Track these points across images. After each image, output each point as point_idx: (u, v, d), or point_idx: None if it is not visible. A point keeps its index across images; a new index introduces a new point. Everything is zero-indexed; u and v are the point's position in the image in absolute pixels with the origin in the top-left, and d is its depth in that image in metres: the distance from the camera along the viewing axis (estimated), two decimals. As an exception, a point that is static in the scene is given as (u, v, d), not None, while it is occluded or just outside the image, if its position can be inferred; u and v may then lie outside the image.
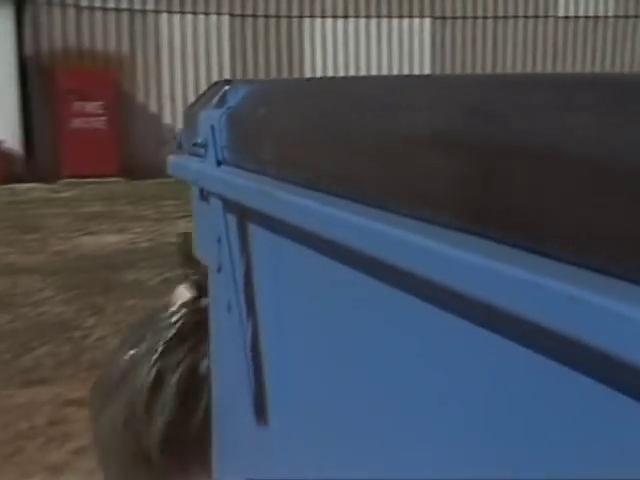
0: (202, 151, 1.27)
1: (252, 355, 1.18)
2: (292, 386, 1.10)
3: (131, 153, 11.23)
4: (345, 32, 11.96)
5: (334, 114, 0.89)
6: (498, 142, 0.58)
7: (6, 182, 10.22)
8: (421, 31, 12.15)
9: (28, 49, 11.28)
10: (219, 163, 1.22)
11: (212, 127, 1.21)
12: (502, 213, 0.57)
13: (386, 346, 0.80)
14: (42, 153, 11.23)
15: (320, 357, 1.01)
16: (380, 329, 0.81)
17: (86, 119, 10.96)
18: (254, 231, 1.14)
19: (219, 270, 1.25)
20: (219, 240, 1.22)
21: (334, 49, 12.06)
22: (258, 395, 1.18)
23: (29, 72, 11.23)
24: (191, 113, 1.38)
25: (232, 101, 1.24)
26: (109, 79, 11.21)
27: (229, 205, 1.15)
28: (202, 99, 1.39)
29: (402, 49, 12.24)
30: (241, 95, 1.23)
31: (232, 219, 1.18)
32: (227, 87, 1.30)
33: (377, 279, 0.76)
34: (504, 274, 0.53)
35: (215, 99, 1.31)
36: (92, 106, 10.96)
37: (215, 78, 10.26)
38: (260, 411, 1.19)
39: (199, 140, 1.28)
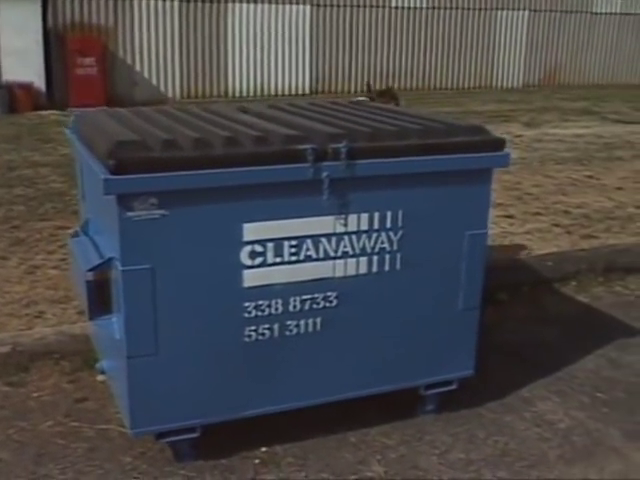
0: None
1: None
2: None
3: (113, 91, 13.70)
4: (254, 15, 15.07)
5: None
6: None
7: (35, 109, 12.49)
8: (303, 15, 15.28)
9: (50, 23, 13.47)
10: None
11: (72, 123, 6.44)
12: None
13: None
14: (57, 91, 13.36)
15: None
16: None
17: (85, 68, 13.02)
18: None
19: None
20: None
21: (247, 28, 15.08)
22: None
23: (50, 38, 13.38)
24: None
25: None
26: (100, 42, 13.52)
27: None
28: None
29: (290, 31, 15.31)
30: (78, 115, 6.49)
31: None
32: (76, 113, 6.50)
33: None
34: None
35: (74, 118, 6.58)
36: (89, 60, 13.04)
37: (167, 40, 14.27)
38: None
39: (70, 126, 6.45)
